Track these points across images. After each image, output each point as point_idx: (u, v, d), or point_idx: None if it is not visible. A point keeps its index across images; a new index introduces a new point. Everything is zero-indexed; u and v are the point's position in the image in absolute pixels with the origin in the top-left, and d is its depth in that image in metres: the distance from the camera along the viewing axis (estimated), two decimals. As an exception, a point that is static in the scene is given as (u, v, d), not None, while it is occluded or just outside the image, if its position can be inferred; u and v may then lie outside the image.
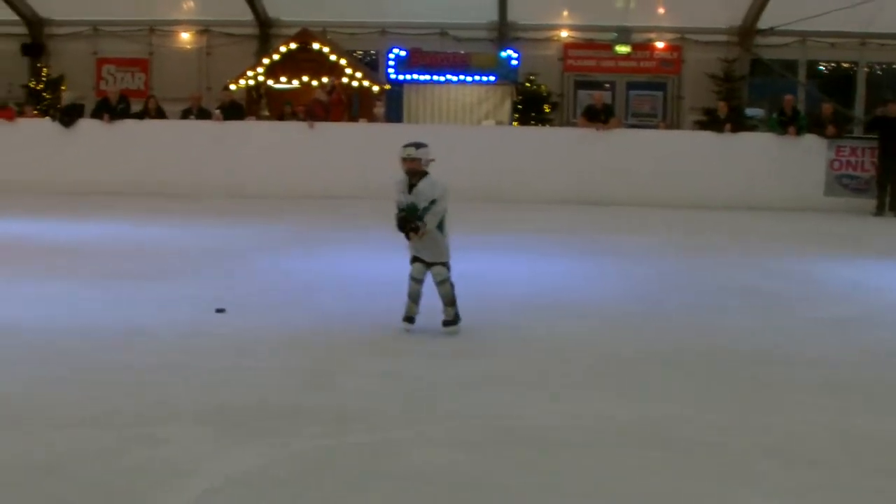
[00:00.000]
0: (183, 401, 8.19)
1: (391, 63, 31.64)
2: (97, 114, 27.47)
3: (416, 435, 7.45)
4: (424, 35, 33.50)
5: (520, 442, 7.35)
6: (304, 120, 26.95)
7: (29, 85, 34.68)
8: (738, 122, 27.34)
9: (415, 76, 31.48)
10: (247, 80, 30.26)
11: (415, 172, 11.19)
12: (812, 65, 34.47)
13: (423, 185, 11.10)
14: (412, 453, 7.08)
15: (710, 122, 27.93)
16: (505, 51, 31.85)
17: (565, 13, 33.95)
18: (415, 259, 10.93)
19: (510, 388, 8.85)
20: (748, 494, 6.50)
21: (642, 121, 33.00)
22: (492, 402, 8.37)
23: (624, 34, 32.47)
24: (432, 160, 11.30)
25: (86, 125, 27.42)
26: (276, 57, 30.32)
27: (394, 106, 31.84)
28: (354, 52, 33.50)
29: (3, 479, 6.48)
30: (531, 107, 32.52)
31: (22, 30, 35.44)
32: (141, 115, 27.71)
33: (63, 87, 33.73)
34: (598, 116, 26.84)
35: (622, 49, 32.65)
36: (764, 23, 32.48)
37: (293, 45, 30.24)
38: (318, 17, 33.19)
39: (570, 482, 6.60)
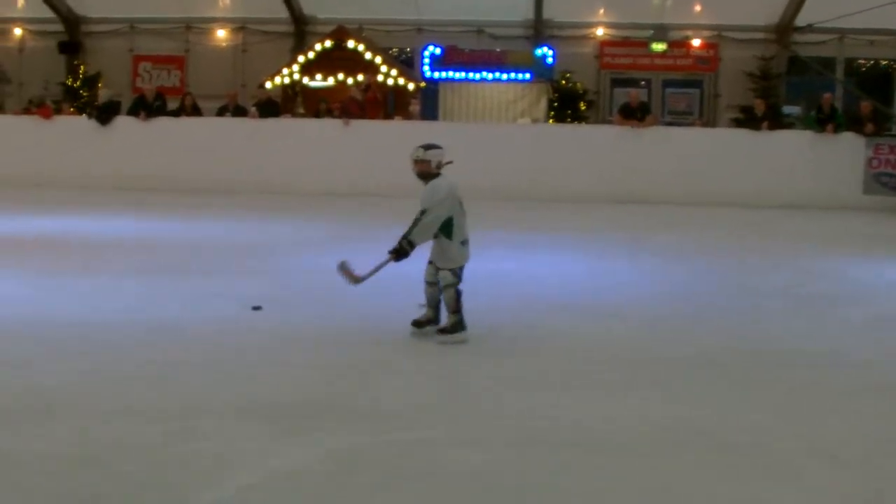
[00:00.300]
0: (222, 396, 8.25)
1: (427, 61, 31.62)
2: (133, 111, 27.61)
3: (451, 434, 7.47)
4: (460, 33, 33.47)
5: (555, 442, 7.35)
6: (339, 117, 27.00)
7: (66, 83, 34.86)
8: (776, 120, 27.19)
9: (450, 74, 31.47)
10: (282, 77, 30.30)
11: (425, 175, 10.80)
12: (850, 62, 34.30)
13: (424, 190, 10.72)
14: (448, 452, 7.10)
15: (747, 119, 27.77)
16: (541, 48, 31.80)
17: (601, 11, 33.88)
18: (430, 261, 10.75)
19: (545, 388, 8.87)
20: (787, 494, 6.50)
21: (678, 119, 32.95)
22: (527, 401, 8.38)
23: (660, 32, 32.41)
24: (448, 163, 10.95)
25: (122, 122, 27.57)
26: (311, 55, 30.36)
27: (429, 104, 31.85)
28: (390, 49, 33.48)
29: (44, 470, 6.55)
30: (567, 104, 32.49)
31: (59, 28, 35.60)
32: (177, 113, 27.82)
33: (100, 85, 33.88)
34: (634, 114, 26.79)
35: (658, 47, 32.59)
36: (802, 20, 32.35)
37: (328, 43, 30.27)
38: (353, 15, 33.21)
39: (605, 483, 6.60)
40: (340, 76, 29.89)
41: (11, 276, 13.78)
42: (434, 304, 10.64)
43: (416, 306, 10.75)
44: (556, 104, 32.32)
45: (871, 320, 12.28)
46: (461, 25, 33.65)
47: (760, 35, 33.45)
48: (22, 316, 11.12)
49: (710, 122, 32.68)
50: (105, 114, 27.58)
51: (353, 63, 29.93)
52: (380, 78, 29.54)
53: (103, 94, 29.47)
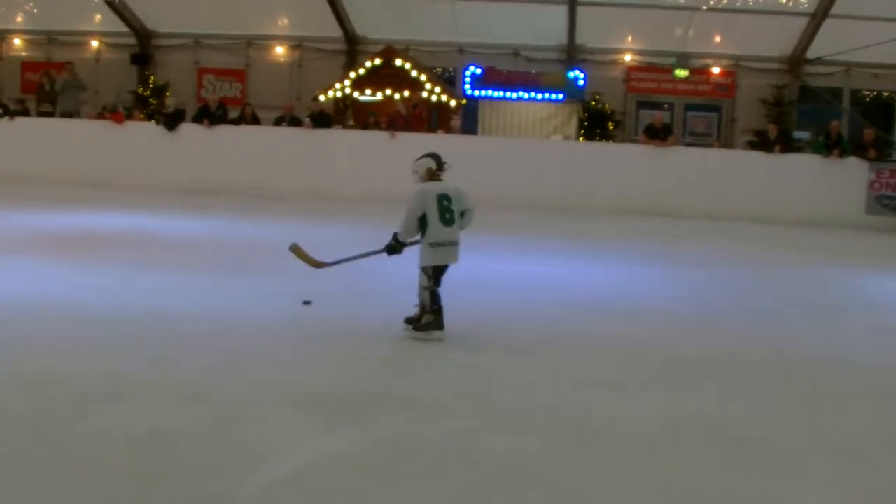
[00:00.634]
0: (277, 385, 8.29)
1: (468, 80, 31.57)
2: (198, 119, 27.69)
3: (490, 425, 7.46)
4: (498, 55, 33.45)
5: (588, 435, 7.35)
6: (386, 130, 27.02)
7: (137, 91, 35.01)
8: (787, 144, 27.10)
9: (489, 92, 31.41)
10: (335, 91, 30.38)
11: (422, 181, 10.75)
12: (855, 93, 34.16)
13: None
14: (489, 441, 7.09)
15: (761, 142, 27.70)
16: (573, 71, 31.74)
17: (629, 38, 33.82)
18: None
19: (579, 384, 8.85)
20: (802, 490, 6.48)
21: (698, 139, 32.88)
22: (562, 396, 8.37)
23: (683, 59, 32.40)
24: (431, 168, 10.86)
25: (187, 129, 27.63)
26: (361, 71, 30.42)
27: (469, 119, 31.81)
28: (434, 68, 33.45)
29: (115, 449, 6.59)
30: (596, 124, 32.40)
31: (132, 41, 35.75)
32: (238, 122, 27.86)
33: (167, 94, 33.98)
34: (658, 134, 26.76)
35: (681, 73, 32.55)
36: (812, 53, 32.29)
37: (378, 61, 30.35)
38: (401, 36, 33.33)
39: (634, 474, 6.59)
40: (388, 92, 29.95)
41: (82, 269, 13.84)
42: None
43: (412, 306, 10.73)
44: (586, 123, 32.24)
45: (876, 329, 12.21)
46: (499, 48, 33.64)
47: (774, 65, 33.36)
48: (93, 306, 11.17)
49: (727, 144, 32.60)
50: (172, 121, 27.68)
51: (400, 80, 29.99)
52: (424, 94, 29.58)
53: (170, 103, 29.59)
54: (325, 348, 9.81)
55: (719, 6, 29.03)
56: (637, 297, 13.60)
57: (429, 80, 30.24)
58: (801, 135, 32.29)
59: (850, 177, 25.55)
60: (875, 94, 34.46)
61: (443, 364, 9.33)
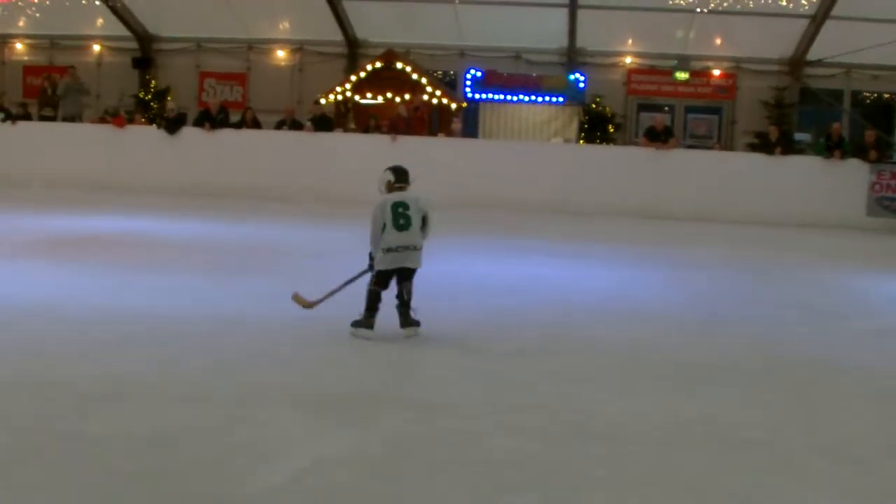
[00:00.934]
0: (279, 386, 8.29)
1: (468, 83, 31.62)
2: (199, 123, 27.72)
3: (494, 425, 7.44)
4: (499, 58, 33.51)
5: (590, 435, 7.35)
6: (387, 133, 27.04)
7: (138, 95, 35.04)
8: (788, 146, 27.14)
9: (490, 95, 31.45)
10: (335, 95, 30.41)
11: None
12: (856, 94, 34.17)
13: None
14: (492, 440, 7.09)
15: (762, 144, 27.76)
16: (573, 74, 31.78)
17: (630, 41, 33.84)
18: None
19: (581, 385, 8.84)
20: (799, 490, 6.47)
21: (699, 142, 32.90)
22: (564, 397, 8.36)
23: (683, 62, 32.46)
24: (390, 181, 11.05)
25: (188, 133, 27.68)
26: (362, 74, 30.47)
27: (470, 122, 31.82)
28: (435, 71, 33.49)
29: (116, 450, 6.57)
30: (596, 126, 32.44)
31: (133, 45, 35.82)
32: (239, 125, 27.91)
33: (169, 98, 33.98)
34: (659, 137, 26.75)
35: (681, 75, 32.60)
36: (812, 55, 32.32)
37: (379, 64, 30.39)
38: (402, 39, 33.38)
39: (635, 476, 6.57)
40: (389, 95, 29.99)
41: (84, 271, 13.87)
42: (397, 307, 10.47)
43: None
44: (586, 126, 32.28)
45: (877, 332, 12.19)
46: (500, 51, 33.70)
47: (775, 67, 33.37)
48: (94, 308, 11.18)
49: (727, 146, 32.61)
50: (173, 125, 27.70)
51: (401, 83, 30.02)
52: (425, 97, 29.59)
53: (171, 107, 29.61)
54: (326, 349, 9.83)
55: (719, 8, 29.00)
56: (638, 300, 13.59)
57: (429, 83, 30.26)
58: (801, 137, 32.35)
59: (850, 179, 25.52)
60: (875, 95, 34.49)
61: (443, 365, 9.34)
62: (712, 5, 28.85)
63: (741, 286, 15.63)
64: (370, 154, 25.99)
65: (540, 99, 31.34)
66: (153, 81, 35.50)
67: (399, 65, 30.25)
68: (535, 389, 8.59)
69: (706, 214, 25.04)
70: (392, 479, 6.30)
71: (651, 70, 34.12)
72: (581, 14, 32.08)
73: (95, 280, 13.11)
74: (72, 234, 17.71)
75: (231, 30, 34.55)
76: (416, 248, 10.47)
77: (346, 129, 29.37)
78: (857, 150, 26.15)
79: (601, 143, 31.59)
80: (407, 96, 29.50)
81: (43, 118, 30.27)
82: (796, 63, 32.96)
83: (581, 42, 33.28)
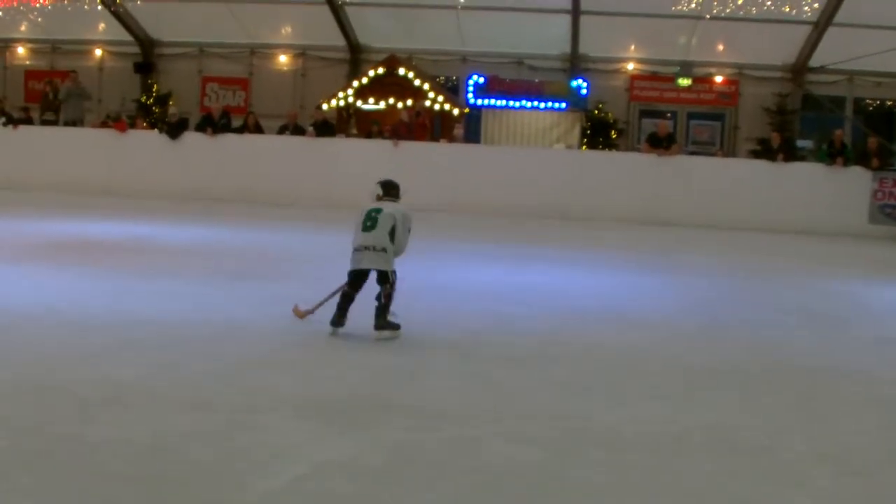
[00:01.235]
0: (280, 392, 8.29)
1: (471, 88, 31.61)
2: (201, 127, 27.74)
3: (495, 433, 7.45)
4: (502, 63, 33.55)
5: (589, 442, 7.36)
6: (389, 139, 27.05)
7: (140, 100, 35.05)
8: (790, 153, 27.12)
9: (492, 101, 31.42)
10: (338, 100, 30.40)
11: None
12: (858, 101, 34.17)
13: None
14: (492, 448, 7.11)
15: (764, 151, 27.82)
16: (576, 80, 31.76)
17: (632, 47, 33.85)
18: None
19: (581, 392, 8.85)
20: (795, 497, 6.49)
21: (701, 148, 32.92)
22: (564, 404, 8.38)
23: (686, 68, 32.40)
24: (378, 194, 11.50)
25: (190, 138, 27.69)
26: (364, 80, 30.47)
27: (472, 128, 31.85)
28: (437, 77, 33.52)
29: (118, 455, 6.58)
30: (599, 133, 32.43)
31: (135, 49, 35.81)
32: (241, 130, 27.97)
33: (171, 103, 33.98)
34: (661, 143, 26.74)
35: (684, 82, 32.56)
36: (815, 61, 32.32)
37: (381, 70, 30.38)
38: (404, 45, 33.40)
39: (635, 481, 6.59)
40: (391, 100, 29.97)
41: (86, 275, 13.89)
42: (376, 309, 10.59)
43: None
44: (588, 132, 32.24)
45: (878, 339, 12.21)
46: (503, 57, 33.70)
47: (777, 74, 33.38)
48: (96, 313, 11.20)
49: (730, 153, 32.62)
50: (175, 129, 27.72)
51: (403, 89, 30.02)
52: (427, 103, 29.60)
53: (173, 112, 29.66)
54: (328, 355, 9.86)
55: (722, 15, 29.01)
56: (640, 306, 13.59)
57: (432, 88, 30.26)
58: (803, 143, 32.34)
59: (853, 186, 25.52)
60: (878, 102, 34.49)
61: (444, 372, 9.33)
62: (715, 11, 28.86)
63: (742, 292, 15.64)
64: (372, 159, 26.03)
65: (542, 105, 31.32)
66: (155, 86, 35.49)
67: (401, 70, 30.22)
68: (535, 396, 8.59)
69: (708, 221, 25.05)
70: (392, 485, 6.30)
71: (653, 76, 34.11)
72: (584, 20, 32.08)
73: (96, 284, 13.12)
74: (73, 239, 17.71)
75: (233, 34, 34.56)
76: (374, 249, 10.64)
77: (348, 135, 29.37)
78: (859, 157, 26.18)
79: (603, 149, 31.56)
80: (409, 102, 29.46)
81: (44, 122, 30.31)
82: (799, 70, 32.96)
83: (583, 48, 33.28)
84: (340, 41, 34.33)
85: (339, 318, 10.60)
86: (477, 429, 7.52)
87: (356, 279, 10.70)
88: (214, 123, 27.62)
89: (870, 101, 34.55)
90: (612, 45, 33.53)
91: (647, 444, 7.37)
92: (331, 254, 16.55)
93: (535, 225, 23.49)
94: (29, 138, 28.11)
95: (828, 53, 31.26)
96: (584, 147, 31.30)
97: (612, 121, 32.95)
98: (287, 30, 35.20)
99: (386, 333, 10.43)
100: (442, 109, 30.19)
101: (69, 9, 32.00)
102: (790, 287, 16.33)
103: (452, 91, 33.35)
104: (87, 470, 6.32)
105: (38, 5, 32.24)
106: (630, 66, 34.17)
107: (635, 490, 6.43)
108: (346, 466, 6.58)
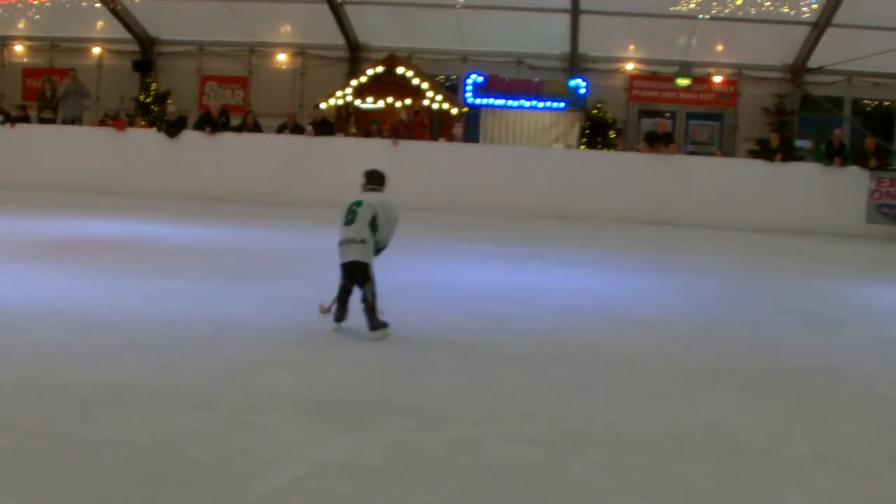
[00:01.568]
0: (281, 391, 8.29)
1: (470, 88, 31.72)
2: (199, 126, 27.74)
3: (495, 433, 7.45)
4: (501, 63, 33.63)
5: (590, 442, 7.36)
6: (388, 138, 27.06)
7: (139, 98, 35.06)
8: (788, 153, 27.19)
9: (491, 100, 31.55)
10: (336, 99, 30.42)
11: None
12: (857, 102, 34.26)
13: None
14: (493, 448, 7.11)
15: (763, 151, 27.84)
16: (575, 80, 31.89)
17: (631, 47, 33.91)
18: None
19: (580, 392, 8.86)
20: (800, 498, 6.48)
21: (700, 148, 32.98)
22: (564, 404, 8.38)
23: (685, 68, 32.46)
24: (363, 183, 11.60)
25: (189, 136, 27.71)
26: (363, 79, 30.49)
27: (471, 128, 31.88)
28: (436, 76, 33.52)
29: (119, 455, 6.58)
30: (598, 132, 32.45)
31: (134, 48, 35.88)
32: (239, 129, 27.95)
33: (169, 101, 33.98)
34: (659, 141, 26.77)
35: (683, 82, 32.62)
36: (814, 62, 32.44)
37: (380, 69, 30.40)
38: (403, 44, 33.41)
39: (635, 482, 6.60)
40: (390, 99, 30.00)
41: (85, 275, 13.88)
42: (362, 310, 10.65)
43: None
44: (587, 132, 32.30)
45: (876, 339, 12.22)
46: (502, 56, 33.76)
47: (776, 74, 33.46)
48: (95, 312, 11.19)
49: (729, 153, 32.64)
50: (173, 128, 27.73)
51: (402, 88, 30.03)
52: (426, 102, 29.62)
53: (171, 110, 29.68)
54: (328, 354, 9.85)
55: (721, 15, 29.05)
56: (638, 305, 13.60)
57: (431, 88, 30.26)
58: (802, 143, 32.40)
59: (850, 186, 25.62)
60: (876, 103, 34.54)
61: (444, 372, 9.33)
62: (714, 12, 28.91)
63: (741, 292, 15.66)
64: (371, 158, 25.79)
65: (541, 104, 31.43)
66: (154, 84, 35.52)
67: (400, 70, 30.22)
68: (535, 396, 8.59)
69: (707, 220, 25.10)
70: (392, 485, 6.31)
71: (652, 76, 34.17)
72: (583, 20, 32.14)
73: (96, 284, 13.12)
74: (72, 238, 17.71)
75: (232, 33, 34.59)
76: (354, 241, 10.76)
77: (347, 134, 29.38)
78: (857, 157, 26.25)
79: (602, 149, 31.56)
80: (408, 101, 29.50)
81: (42, 121, 30.26)
82: (797, 70, 33.04)
83: (583, 48, 33.34)
84: (340, 40, 34.36)
85: (340, 313, 10.68)
86: (477, 429, 7.52)
87: (347, 271, 10.75)
88: (213, 122, 27.62)
89: (868, 102, 34.61)
90: (611, 44, 33.60)
91: (647, 445, 7.37)
92: (330, 253, 16.59)
93: (534, 224, 23.50)
94: (27, 137, 28.08)
95: (826, 54, 31.41)
96: (582, 147, 31.37)
97: (611, 120, 32.97)
98: (286, 28, 35.22)
99: (380, 333, 10.46)
100: (441, 108, 30.21)
101: (68, 6, 31.97)
102: (788, 287, 16.34)
103: (452, 90, 33.35)
104: (88, 470, 6.32)
105: (36, 3, 32.29)
106: (629, 66, 34.22)
107: (635, 490, 6.43)
108: (346, 466, 6.58)
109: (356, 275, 10.65)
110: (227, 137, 27.51)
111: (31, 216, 20.59)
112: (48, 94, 30.82)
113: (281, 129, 27.99)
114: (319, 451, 6.83)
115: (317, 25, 33.74)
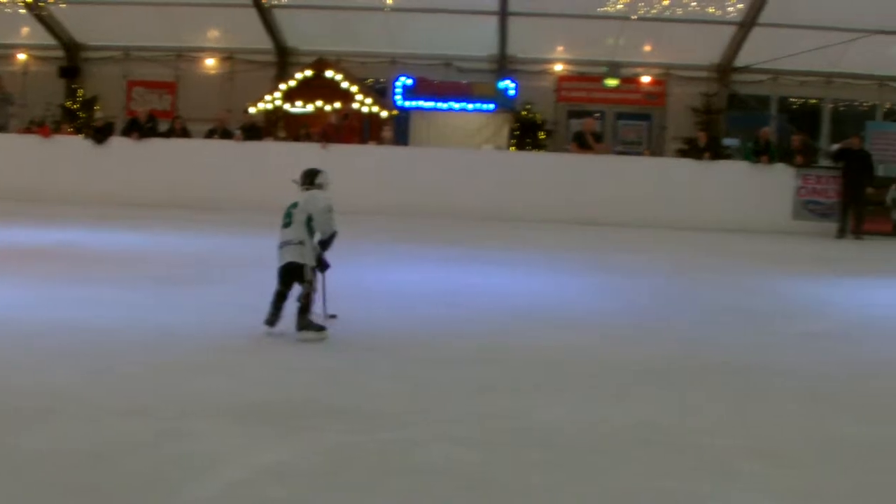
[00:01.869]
0: (215, 397, 8.26)
1: (399, 90, 31.69)
2: (127, 132, 27.58)
3: (431, 434, 7.49)
4: (430, 65, 33.56)
5: (526, 442, 7.40)
6: (318, 141, 26.99)
7: (65, 105, 34.74)
8: (716, 151, 27.45)
9: (421, 103, 31.54)
10: (266, 103, 30.30)
11: None
12: (783, 100, 34.56)
13: None
14: (429, 450, 7.14)
15: (691, 150, 28.10)
16: (504, 81, 31.93)
17: (560, 48, 34.00)
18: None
19: (515, 392, 8.92)
20: (733, 492, 6.57)
21: (629, 148, 33.15)
22: (499, 404, 8.42)
23: (613, 68, 32.57)
24: (297, 182, 11.82)
25: (116, 142, 27.52)
26: (292, 83, 30.36)
27: (401, 130, 31.82)
28: (365, 79, 33.42)
29: (50, 464, 6.54)
30: (527, 133, 32.53)
31: (59, 53, 35.47)
32: (167, 134, 27.82)
33: (96, 107, 33.73)
34: (587, 141, 26.95)
35: (611, 82, 32.72)
36: (740, 61, 32.71)
37: (309, 73, 30.28)
38: (332, 47, 33.24)
39: (571, 480, 6.64)
40: (319, 103, 29.88)
41: (15, 283, 13.76)
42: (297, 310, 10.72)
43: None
44: (517, 133, 32.36)
45: (802, 334, 12.44)
46: (431, 59, 33.69)
47: (704, 74, 33.65)
48: (27, 321, 11.08)
49: (657, 152, 32.84)
50: (100, 134, 27.54)
51: (331, 91, 29.92)
52: (355, 106, 29.57)
53: (98, 116, 29.49)
54: (262, 359, 9.83)
55: (649, 15, 29.21)
56: (571, 306, 13.70)
57: (360, 91, 30.17)
58: (730, 142, 32.64)
59: (777, 183, 26.02)
60: (802, 101, 34.85)
61: (382, 375, 9.34)
62: (641, 12, 29.06)
63: (671, 291, 15.81)
64: (301, 162, 25.73)
65: (470, 106, 31.46)
66: (80, 90, 35.18)
67: (329, 73, 30.11)
68: (472, 397, 8.62)
69: (636, 220, 25.28)
70: (328, 489, 6.32)
71: (581, 77, 34.25)
72: (511, 21, 32.22)
73: (26, 293, 12.98)
74: (1, 246, 17.55)
75: (160, 38, 34.26)
76: (292, 243, 10.83)
77: (276, 138, 29.29)
78: (784, 154, 26.56)
79: (532, 149, 31.67)
80: (338, 105, 29.45)
81: (-35, 129, 29.97)
82: (724, 69, 33.27)
83: (511, 49, 33.40)
84: (268, 44, 34.20)
85: (272, 317, 10.67)
86: (414, 431, 7.54)
87: (282, 274, 10.78)
88: (141, 127, 27.47)
89: (794, 100, 34.91)
90: (539, 46, 33.66)
91: (582, 443, 7.44)
92: (261, 257, 16.55)
93: (466, 226, 23.53)
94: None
95: (753, 53, 31.74)
96: (512, 148, 31.44)
97: (540, 121, 33.03)
98: (214, 33, 34.97)
99: (309, 335, 10.47)
100: (370, 112, 30.15)
101: (-9, 12, 31.71)
102: (718, 285, 16.51)
103: (381, 93, 33.28)
104: (21, 479, 6.27)
105: (-42, 10, 31.93)
106: (558, 67, 34.27)
107: (572, 489, 6.47)
108: (282, 471, 6.59)
109: (293, 276, 10.66)
110: (156, 143, 27.35)
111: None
112: (-29, 101, 30.54)
113: (210, 134, 27.86)
114: (254, 456, 6.81)
115: (245, 30, 33.54)
